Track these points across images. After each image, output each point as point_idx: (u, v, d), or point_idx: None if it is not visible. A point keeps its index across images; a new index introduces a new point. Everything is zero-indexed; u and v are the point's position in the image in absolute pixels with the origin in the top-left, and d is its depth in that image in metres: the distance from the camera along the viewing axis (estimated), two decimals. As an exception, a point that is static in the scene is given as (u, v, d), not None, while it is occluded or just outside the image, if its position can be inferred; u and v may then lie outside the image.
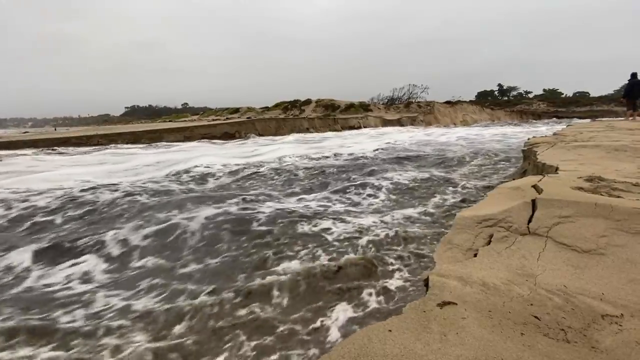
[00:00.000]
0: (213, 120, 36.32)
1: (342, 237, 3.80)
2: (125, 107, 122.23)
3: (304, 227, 4.14)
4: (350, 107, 38.26)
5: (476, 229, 2.23)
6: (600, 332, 1.30)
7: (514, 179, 5.52)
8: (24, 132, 37.02)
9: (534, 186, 2.76)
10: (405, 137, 18.72)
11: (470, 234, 2.19)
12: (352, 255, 3.32)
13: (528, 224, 2.19)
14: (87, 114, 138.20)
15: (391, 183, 6.35)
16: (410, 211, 4.70)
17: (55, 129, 39.77)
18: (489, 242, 2.10)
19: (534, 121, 38.63)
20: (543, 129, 21.69)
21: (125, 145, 17.11)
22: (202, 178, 7.91)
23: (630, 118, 12.39)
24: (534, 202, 2.40)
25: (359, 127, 29.35)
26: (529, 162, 5.20)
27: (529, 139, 7.66)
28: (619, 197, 2.44)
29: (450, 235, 2.24)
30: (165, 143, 18.33)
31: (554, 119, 39.71)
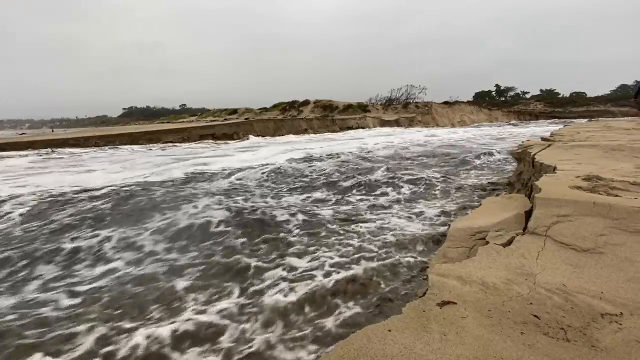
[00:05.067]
0: (212, 121, 36.28)
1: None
2: (123, 109, 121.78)
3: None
4: (348, 108, 38.31)
5: (470, 241, 2.23)
6: (600, 331, 1.30)
7: (510, 182, 5.54)
8: (21, 134, 36.87)
9: (528, 195, 2.77)
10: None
11: (465, 247, 2.21)
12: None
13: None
14: (85, 116, 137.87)
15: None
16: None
17: (52, 131, 39.62)
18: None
19: (533, 122, 38.74)
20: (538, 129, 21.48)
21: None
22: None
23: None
24: (527, 214, 2.41)
25: (357, 128, 29.36)
26: (524, 163, 5.21)
27: (523, 142, 7.70)
28: (617, 196, 2.45)
29: (445, 248, 2.25)
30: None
31: (555, 119, 39.83)
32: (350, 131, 27.38)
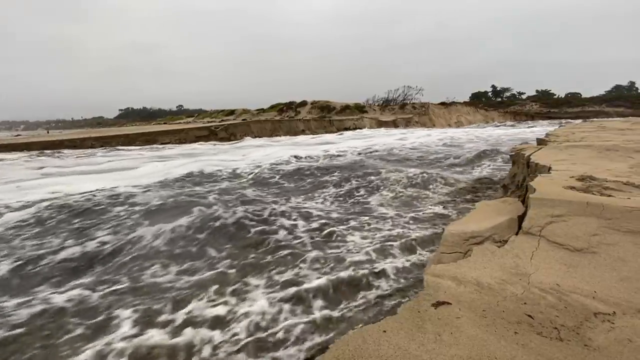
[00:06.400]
0: (208, 122, 36.20)
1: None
2: (119, 110, 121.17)
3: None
4: (345, 108, 38.32)
5: (464, 246, 2.24)
6: (593, 330, 1.31)
7: (504, 185, 5.57)
8: (16, 135, 36.61)
9: (523, 196, 2.78)
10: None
11: (459, 253, 2.21)
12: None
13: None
14: (81, 117, 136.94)
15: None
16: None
17: (47, 132, 39.38)
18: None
19: (526, 122, 38.97)
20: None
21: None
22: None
23: None
24: (520, 217, 2.42)
25: (354, 129, 29.43)
26: (518, 165, 5.23)
27: (515, 146, 7.75)
28: (610, 196, 2.47)
29: (439, 254, 2.26)
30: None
31: (550, 120, 40.05)
32: (347, 131, 27.48)
